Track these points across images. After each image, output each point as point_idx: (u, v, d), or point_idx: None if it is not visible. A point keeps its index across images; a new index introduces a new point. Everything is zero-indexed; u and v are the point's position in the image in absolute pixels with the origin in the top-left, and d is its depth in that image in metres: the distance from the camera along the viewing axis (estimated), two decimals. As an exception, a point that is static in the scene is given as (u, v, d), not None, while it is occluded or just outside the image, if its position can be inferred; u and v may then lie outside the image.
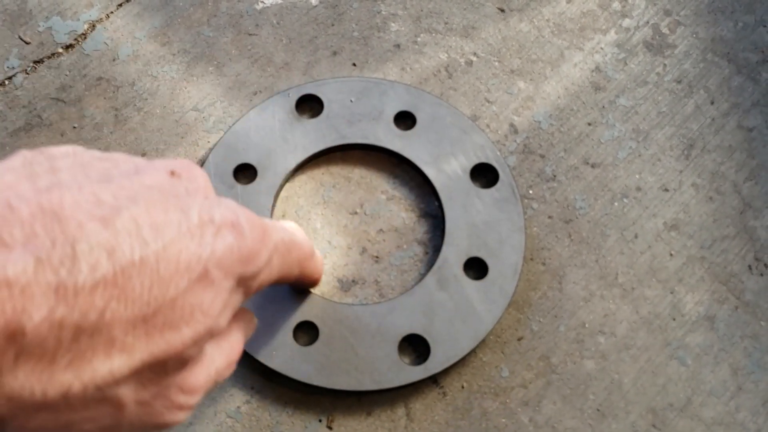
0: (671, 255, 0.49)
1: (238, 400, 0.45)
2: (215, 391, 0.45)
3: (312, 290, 0.47)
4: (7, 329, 0.21)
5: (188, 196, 0.27)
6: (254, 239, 0.28)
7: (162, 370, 0.26)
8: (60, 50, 0.55)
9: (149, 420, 0.27)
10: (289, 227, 0.36)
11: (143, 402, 0.26)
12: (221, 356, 0.31)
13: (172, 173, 0.28)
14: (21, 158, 0.27)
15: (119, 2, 0.56)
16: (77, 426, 0.25)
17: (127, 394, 0.25)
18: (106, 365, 0.24)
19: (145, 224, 0.25)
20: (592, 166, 0.52)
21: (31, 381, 0.23)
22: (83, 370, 0.23)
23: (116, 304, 0.23)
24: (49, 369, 0.23)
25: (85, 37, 0.55)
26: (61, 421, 0.25)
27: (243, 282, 0.29)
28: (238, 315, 0.33)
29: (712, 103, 0.54)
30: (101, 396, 0.25)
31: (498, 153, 0.50)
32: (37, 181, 0.25)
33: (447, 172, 0.50)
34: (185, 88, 0.54)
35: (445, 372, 0.45)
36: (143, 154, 0.51)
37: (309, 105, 0.52)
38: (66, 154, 0.28)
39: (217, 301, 0.27)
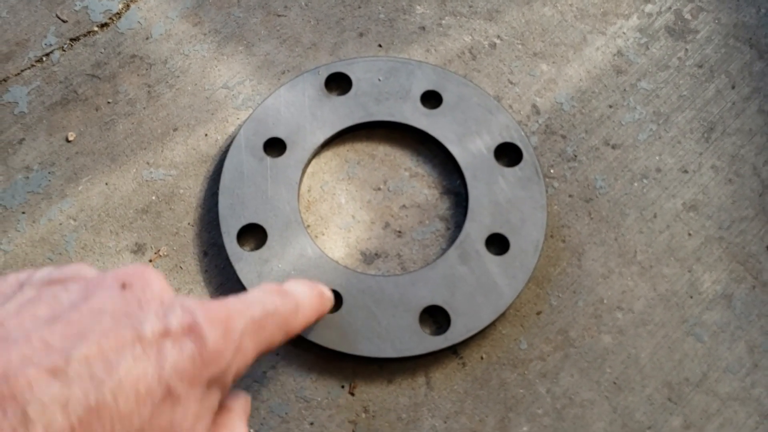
0: (689, 235, 0.50)
1: (264, 365, 0.46)
2: (242, 356, 0.46)
3: (336, 260, 0.48)
4: None
5: (141, 309, 0.26)
6: (215, 338, 0.27)
7: None
8: (95, 29, 0.56)
9: None
10: (260, 294, 0.33)
11: None
12: None
13: (123, 286, 0.27)
14: None
15: (153, -17, 0.58)
16: None
17: None
18: None
19: (96, 362, 0.24)
20: (613, 147, 0.53)
21: None
22: None
23: None
24: None
25: (120, 17, 0.57)
26: None
27: (214, 382, 0.28)
28: (229, 402, 0.32)
29: (733, 87, 0.54)
30: None
31: (522, 133, 0.51)
32: None
33: (471, 151, 0.51)
34: (216, 66, 0.55)
35: (465, 343, 0.47)
36: (175, 130, 0.53)
37: (337, 83, 0.53)
38: (16, 287, 0.27)
39: (189, 414, 0.26)
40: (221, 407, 0.31)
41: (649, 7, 0.57)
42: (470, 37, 0.56)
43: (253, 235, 0.48)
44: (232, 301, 0.30)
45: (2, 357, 0.23)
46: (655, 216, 0.50)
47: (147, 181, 0.51)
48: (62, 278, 0.28)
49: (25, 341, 0.24)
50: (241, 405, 0.33)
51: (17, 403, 0.22)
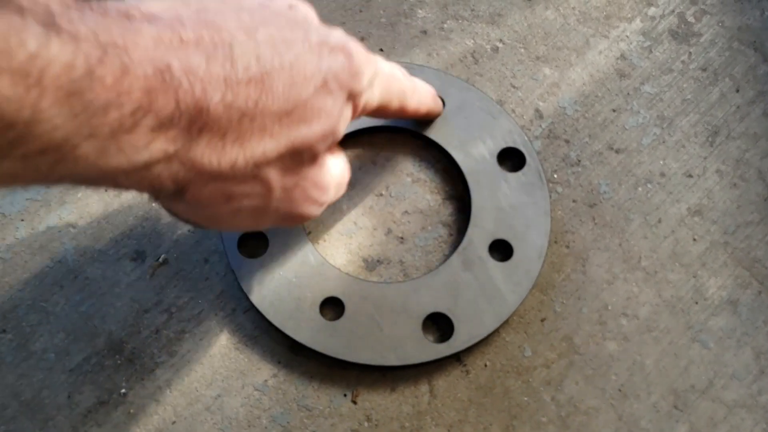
0: (694, 240, 0.50)
1: (265, 373, 0.46)
2: (243, 365, 0.46)
3: (338, 267, 0.48)
4: (197, 105, 0.27)
5: (306, 22, 0.32)
6: (361, 62, 0.33)
7: (299, 159, 0.32)
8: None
9: (289, 208, 0.34)
10: (390, 65, 0.40)
11: (286, 188, 0.33)
12: (337, 169, 0.38)
13: (290, 7, 0.33)
14: None
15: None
16: (236, 200, 0.32)
17: (274, 177, 0.32)
18: (260, 146, 0.30)
19: (278, 40, 0.30)
20: (617, 151, 0.52)
21: (209, 152, 0.28)
22: (245, 147, 0.29)
23: (265, 98, 0.29)
24: (221, 143, 0.28)
25: None
26: (225, 192, 0.31)
27: (351, 97, 0.34)
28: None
29: (738, 91, 0.54)
30: (256, 173, 0.31)
31: (525, 138, 0.51)
32: (189, 5, 0.29)
33: (474, 156, 0.50)
34: (216, 71, 0.55)
35: (469, 350, 0.46)
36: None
37: (337, 88, 0.53)
38: None
39: (336, 107, 0.32)
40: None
41: (652, 11, 0.57)
42: (472, 41, 0.56)
43: (255, 242, 0.48)
44: (375, 55, 0.37)
45: (207, 16, 0.29)
46: (659, 221, 0.50)
47: (147, 187, 0.51)
48: None
49: (222, 13, 0.29)
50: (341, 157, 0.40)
51: (224, 43, 0.28)
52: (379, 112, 0.39)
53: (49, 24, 0.23)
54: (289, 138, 0.31)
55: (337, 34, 0.33)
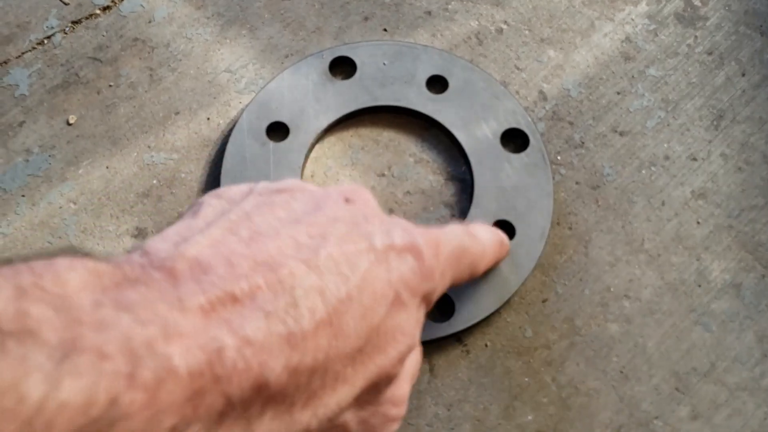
0: (698, 223, 0.49)
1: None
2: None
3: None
4: (256, 383, 0.22)
5: (367, 222, 0.28)
6: (430, 257, 0.29)
7: (375, 390, 0.28)
8: (97, 11, 0.56)
9: None
10: (455, 231, 0.35)
11: (363, 421, 0.29)
12: (414, 366, 0.33)
13: (347, 201, 0.29)
14: (211, 208, 0.28)
15: (156, -34, 0.57)
16: None
17: (351, 418, 0.28)
18: (334, 399, 0.26)
19: (341, 260, 0.26)
20: (621, 134, 0.52)
21: (275, 426, 0.24)
22: (317, 407, 0.25)
23: (335, 342, 0.25)
24: (289, 412, 0.24)
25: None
26: None
27: (424, 299, 0.30)
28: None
29: (743, 74, 0.54)
30: (331, 426, 0.27)
31: (529, 119, 0.50)
32: (239, 233, 0.26)
33: (477, 136, 0.50)
34: (218, 50, 0.54)
35: (469, 330, 0.46)
36: (176, 113, 0.52)
37: (342, 67, 0.52)
38: (245, 194, 0.29)
39: (411, 320, 0.28)
40: None
41: (658, -6, 0.56)
42: (477, 22, 0.55)
43: (255, 219, 0.48)
44: (437, 231, 0.32)
45: (262, 248, 0.25)
46: (663, 204, 0.50)
47: (148, 164, 0.51)
48: (287, 188, 0.30)
49: (276, 236, 0.26)
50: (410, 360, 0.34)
51: (284, 288, 0.24)
52: (452, 287, 0.35)
53: (68, 347, 0.19)
54: (364, 378, 0.26)
55: (401, 229, 0.29)
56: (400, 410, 0.31)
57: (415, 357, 0.33)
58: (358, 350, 0.26)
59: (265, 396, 0.23)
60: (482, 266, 0.38)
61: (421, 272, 0.28)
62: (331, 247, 0.26)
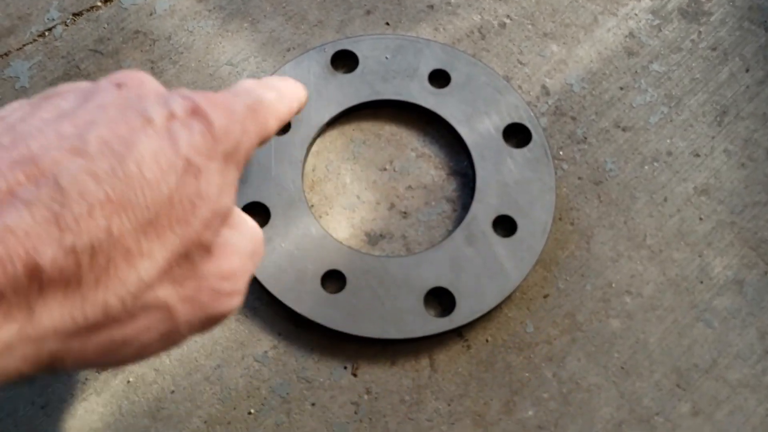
0: (701, 219, 0.49)
1: (265, 345, 0.46)
2: (243, 336, 0.46)
3: (340, 241, 0.47)
4: (26, 269, 0.23)
5: (141, 100, 0.28)
6: (220, 117, 0.28)
7: (189, 262, 0.27)
8: (99, 3, 0.55)
9: (203, 314, 0.29)
10: (246, 86, 0.34)
11: (188, 298, 0.28)
12: (242, 242, 0.31)
13: (119, 86, 0.28)
14: None
15: (157, -42, 0.57)
16: (136, 339, 0.27)
17: (169, 294, 0.27)
18: (133, 274, 0.25)
19: (113, 141, 0.25)
20: (623, 129, 0.52)
21: (66, 309, 0.24)
22: (112, 284, 0.25)
23: (119, 219, 0.24)
24: (78, 293, 0.24)
25: (124, -8, 0.56)
26: (116, 339, 0.26)
27: (229, 158, 0.29)
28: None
29: (747, 70, 0.53)
30: (143, 304, 0.26)
31: (531, 114, 0.50)
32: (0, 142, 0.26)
33: (480, 131, 0.50)
34: (220, 43, 0.54)
35: (470, 325, 0.46)
36: (178, 106, 0.52)
37: (344, 61, 0.52)
38: (13, 109, 0.28)
39: (213, 185, 0.27)
40: None
41: (662, -11, 0.56)
42: (479, 17, 0.55)
43: (256, 213, 0.48)
44: (224, 91, 0.31)
45: (23, 147, 0.25)
46: (665, 200, 0.50)
47: (149, 157, 0.51)
48: (58, 92, 0.29)
49: (39, 134, 0.25)
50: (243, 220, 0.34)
51: (47, 178, 0.24)
52: (261, 144, 0.33)
53: None
54: (165, 249, 0.26)
55: (179, 97, 0.28)
56: (233, 284, 0.30)
57: (246, 234, 0.32)
58: (149, 223, 0.25)
59: (41, 279, 0.23)
60: (285, 111, 0.35)
61: (212, 134, 0.28)
62: (100, 130, 0.26)
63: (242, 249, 0.31)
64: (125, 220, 0.24)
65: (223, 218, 0.29)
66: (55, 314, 0.24)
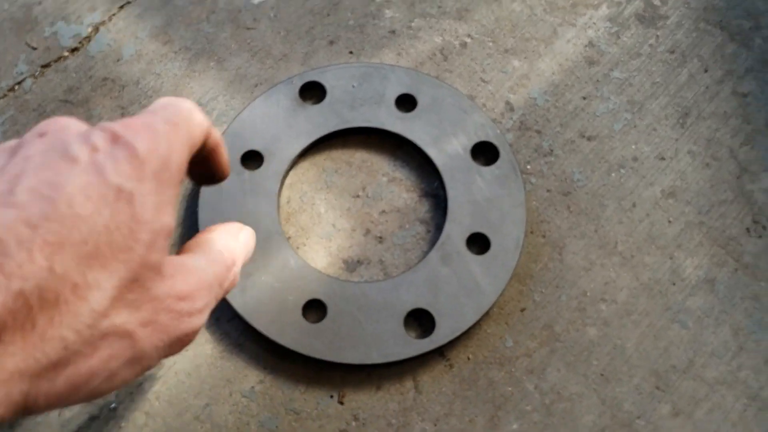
0: (669, 222, 0.50)
1: (252, 380, 0.46)
2: (230, 372, 0.47)
3: (319, 270, 0.48)
4: None
5: (64, 143, 0.28)
6: (142, 139, 0.28)
7: (140, 286, 0.28)
8: (66, 54, 0.56)
9: (166, 335, 0.29)
10: (164, 101, 0.33)
11: (147, 321, 0.28)
12: (203, 261, 0.32)
13: (42, 135, 0.29)
14: None
15: (120, 4, 0.58)
16: (103, 369, 0.27)
17: (126, 320, 0.27)
18: (84, 306, 0.26)
19: (41, 186, 0.26)
20: (588, 139, 0.53)
21: (27, 351, 0.24)
22: (66, 319, 0.25)
23: (60, 257, 0.25)
24: (35, 333, 0.25)
25: (90, 40, 0.57)
26: (83, 372, 0.26)
27: (160, 175, 0.29)
28: (229, 230, 0.36)
29: (706, 71, 0.55)
30: (102, 333, 0.27)
31: (498, 131, 0.51)
32: None
33: (448, 152, 0.51)
34: (188, 84, 0.55)
35: (451, 344, 0.47)
36: (151, 149, 0.53)
37: (312, 92, 0.53)
38: None
39: (147, 207, 0.28)
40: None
41: (617, -4, 0.57)
42: (441, 38, 0.56)
43: (234, 250, 0.48)
44: (142, 114, 0.31)
45: None
46: (634, 205, 0.51)
47: (126, 202, 0.51)
48: None
49: None
50: (236, 230, 0.35)
51: None
52: (189, 160, 0.32)
53: None
54: (112, 277, 0.26)
55: (99, 130, 0.29)
56: (191, 304, 0.30)
57: (210, 253, 0.33)
58: (90, 256, 0.26)
59: None
60: (204, 119, 0.34)
61: (137, 157, 0.28)
62: (27, 181, 0.26)
63: (200, 270, 0.31)
64: (66, 257, 0.25)
65: (166, 236, 0.29)
66: (17, 357, 0.24)
